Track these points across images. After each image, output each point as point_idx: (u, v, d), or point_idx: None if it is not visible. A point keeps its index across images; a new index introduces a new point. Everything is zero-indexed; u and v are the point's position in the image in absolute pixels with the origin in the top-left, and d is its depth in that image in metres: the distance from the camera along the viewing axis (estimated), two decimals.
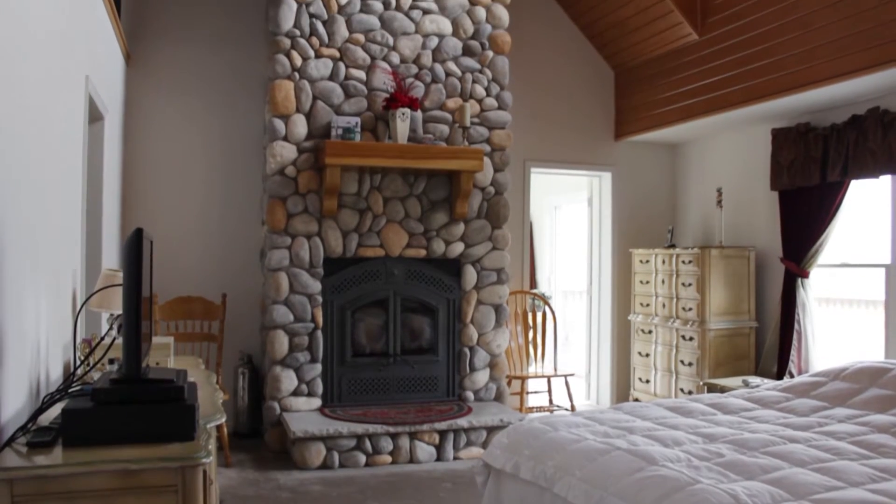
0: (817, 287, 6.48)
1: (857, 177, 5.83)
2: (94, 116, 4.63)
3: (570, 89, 7.76)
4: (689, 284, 6.80)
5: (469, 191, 6.16)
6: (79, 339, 3.36)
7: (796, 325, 6.34)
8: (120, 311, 3.38)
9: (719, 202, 7.18)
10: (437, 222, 6.29)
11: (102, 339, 3.41)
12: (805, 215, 6.31)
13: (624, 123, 7.81)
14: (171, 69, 6.43)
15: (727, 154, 7.41)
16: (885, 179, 5.79)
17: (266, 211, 5.94)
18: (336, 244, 6.01)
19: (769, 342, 6.63)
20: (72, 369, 3.46)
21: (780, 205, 6.58)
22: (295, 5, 5.94)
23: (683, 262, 6.90)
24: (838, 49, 5.30)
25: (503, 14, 6.53)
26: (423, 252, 6.26)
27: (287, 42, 5.92)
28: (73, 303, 3.73)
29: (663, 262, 7.17)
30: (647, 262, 7.40)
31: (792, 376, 6.27)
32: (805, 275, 6.33)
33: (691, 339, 6.74)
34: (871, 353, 6.08)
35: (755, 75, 6.05)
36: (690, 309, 6.78)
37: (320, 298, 5.97)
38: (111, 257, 5.28)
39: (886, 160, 5.52)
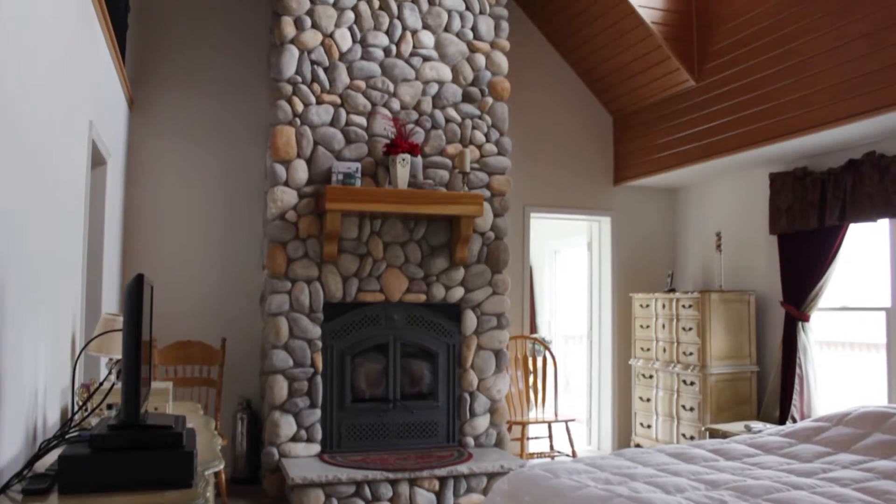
0: (818, 330, 6.46)
1: (856, 220, 5.85)
2: (97, 161, 4.67)
3: (569, 134, 7.83)
4: (690, 329, 6.79)
5: (469, 236, 6.18)
6: (77, 384, 3.34)
7: (798, 369, 6.32)
8: (119, 357, 3.37)
9: (718, 246, 7.20)
10: (437, 267, 6.30)
11: (101, 384, 3.39)
12: (804, 259, 6.32)
13: (623, 168, 7.86)
14: (173, 114, 6.49)
15: (726, 198, 7.45)
16: (883, 223, 5.81)
17: (266, 255, 5.95)
18: (336, 289, 6.01)
19: (771, 386, 6.59)
20: (69, 415, 3.44)
21: (779, 248, 6.60)
22: (297, 52, 6.02)
23: (683, 306, 6.89)
24: (833, 95, 5.35)
25: (502, 61, 6.62)
26: (423, 297, 6.26)
27: (289, 88, 5.99)
28: (73, 347, 3.72)
29: (663, 306, 7.16)
30: (648, 306, 7.39)
31: (794, 421, 6.23)
32: (805, 318, 6.32)
33: (692, 383, 6.71)
34: (874, 396, 6.04)
35: (752, 120, 6.11)
36: (691, 353, 6.76)
37: (320, 343, 5.96)
38: (111, 300, 5.28)
39: (883, 204, 5.55)
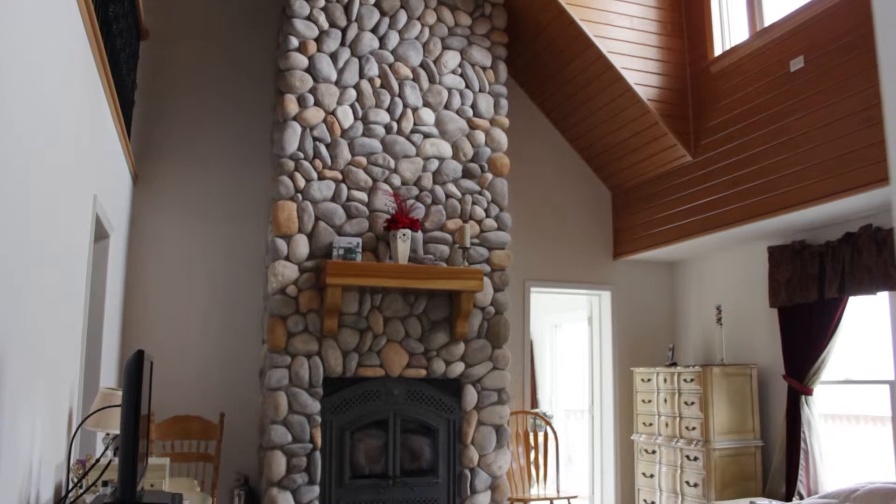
0: (822, 404, 6.41)
1: (855, 293, 5.86)
2: (100, 234, 4.71)
3: (568, 209, 7.90)
4: (692, 403, 6.74)
5: (469, 311, 6.19)
6: (73, 460, 3.31)
7: (802, 444, 6.24)
8: (116, 432, 3.35)
9: (719, 320, 7.19)
10: (437, 342, 6.29)
11: (98, 460, 3.36)
12: (805, 332, 6.31)
13: (622, 243, 7.91)
14: (176, 188, 6.57)
15: (725, 272, 7.48)
16: (883, 296, 5.82)
17: (266, 330, 5.95)
18: (336, 364, 5.99)
19: (776, 461, 6.51)
20: (63, 492, 3.40)
21: (779, 322, 6.59)
22: (300, 129, 6.13)
23: (685, 380, 6.85)
24: (828, 170, 5.43)
25: (502, 137, 6.73)
26: (423, 372, 6.23)
27: (291, 164, 6.07)
28: (69, 421, 3.69)
29: (665, 380, 7.12)
30: (649, 380, 7.35)
31: (801, 497, 6.12)
32: (809, 392, 6.27)
33: (696, 458, 6.62)
34: (881, 471, 5.95)
35: (749, 195, 6.18)
36: (694, 428, 6.69)
37: (319, 418, 5.91)
38: (110, 373, 5.26)
39: (882, 277, 5.56)
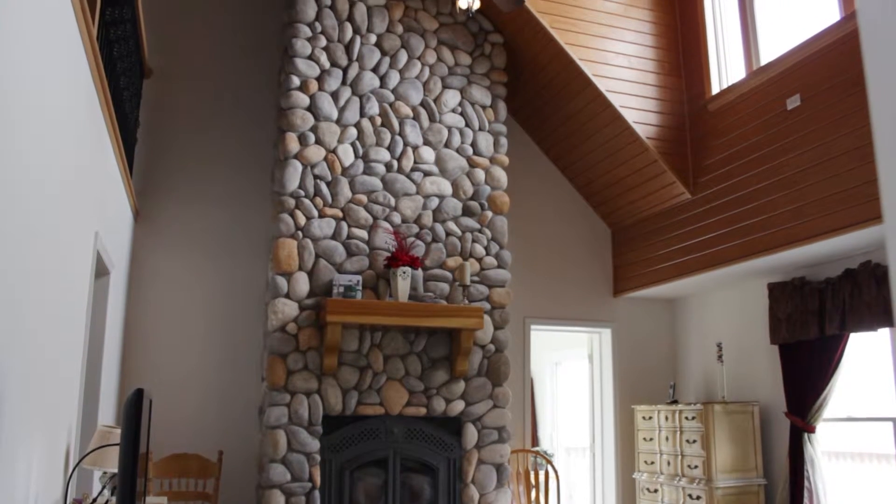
0: (825, 441, 6.36)
1: (856, 330, 5.85)
2: (101, 271, 4.72)
3: (568, 246, 7.92)
4: (694, 441, 6.69)
5: (469, 348, 6.17)
6: (70, 498, 3.29)
7: (806, 482, 6.18)
8: (114, 470, 3.33)
9: (720, 357, 7.17)
10: (437, 380, 6.26)
11: (95, 499, 3.33)
12: (807, 369, 6.29)
13: (622, 280, 7.92)
14: (177, 225, 6.59)
15: (725, 308, 7.47)
16: (884, 332, 5.80)
17: (266, 367, 5.93)
18: (336, 402, 5.97)
19: (779, 500, 6.44)
20: None
21: (780, 358, 6.57)
22: (300, 167, 6.17)
23: (687, 418, 6.81)
24: (826, 207, 5.45)
25: (502, 176, 6.77)
26: (423, 410, 6.20)
27: (291, 202, 6.10)
28: (66, 459, 3.67)
29: (666, 418, 7.08)
30: (650, 418, 7.30)
31: None
32: (811, 429, 6.23)
33: (698, 497, 6.56)
34: None
35: (748, 232, 6.19)
36: (696, 466, 6.63)
37: (318, 457, 5.86)
38: (108, 410, 5.24)
39: (883, 313, 5.56)
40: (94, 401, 4.73)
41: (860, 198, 5.16)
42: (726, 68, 6.81)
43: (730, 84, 6.63)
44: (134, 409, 2.21)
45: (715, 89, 6.79)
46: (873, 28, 0.75)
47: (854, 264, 5.90)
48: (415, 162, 6.54)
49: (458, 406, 6.28)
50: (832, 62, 5.48)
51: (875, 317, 5.63)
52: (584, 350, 8.46)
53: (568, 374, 10.49)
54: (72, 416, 3.82)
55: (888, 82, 0.73)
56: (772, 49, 6.31)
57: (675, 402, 7.32)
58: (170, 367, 6.37)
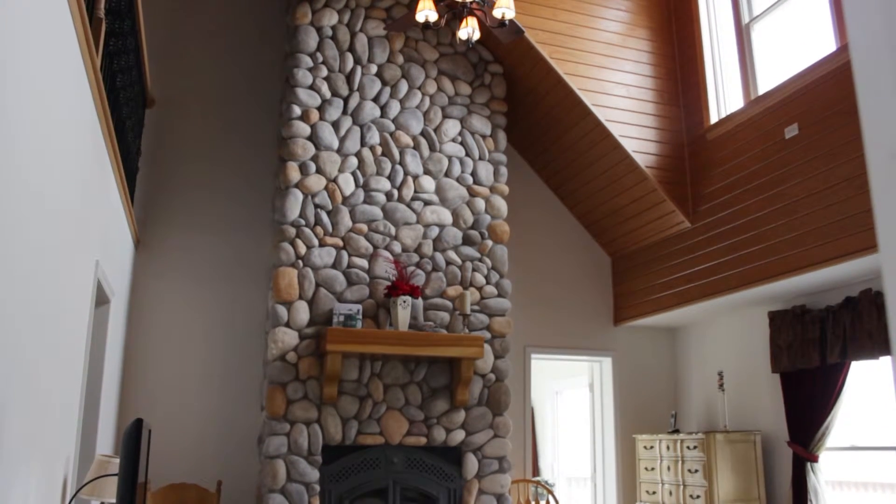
0: (828, 471, 6.32)
1: (857, 358, 5.83)
2: (101, 300, 4.72)
3: (568, 275, 7.92)
4: (696, 471, 6.65)
5: (470, 378, 6.16)
6: None
7: None
8: (112, 500, 3.31)
9: (721, 385, 7.14)
10: (437, 409, 6.24)
11: None
12: (808, 397, 6.27)
13: (622, 308, 7.91)
14: (177, 254, 6.60)
15: (726, 337, 7.45)
16: (886, 360, 5.79)
17: (266, 396, 5.91)
18: (335, 431, 5.94)
19: None
20: None
21: (782, 387, 6.55)
22: (301, 196, 6.19)
23: (688, 447, 6.78)
24: (825, 235, 5.46)
25: (502, 205, 6.79)
26: (423, 440, 6.17)
27: (292, 231, 6.12)
28: (64, 490, 3.65)
29: (668, 447, 7.04)
30: (652, 447, 7.26)
31: None
32: (814, 459, 6.19)
33: None
34: None
35: (748, 260, 6.20)
36: (698, 496, 6.58)
37: (318, 487, 5.82)
38: (106, 439, 5.21)
39: (884, 342, 5.55)
40: (93, 429, 4.71)
41: (860, 226, 5.17)
42: (724, 97, 6.86)
43: (728, 113, 6.67)
44: (133, 439, 2.20)
45: (713, 118, 6.83)
46: (865, 61, 0.76)
47: (854, 292, 5.90)
48: (415, 191, 6.56)
49: (459, 435, 6.25)
50: (829, 91, 5.51)
51: (876, 345, 5.62)
52: (584, 379, 8.43)
53: (569, 404, 10.45)
54: (70, 444, 3.80)
55: (880, 113, 0.74)
56: (769, 78, 6.36)
57: (676, 431, 7.28)
58: (169, 396, 6.35)
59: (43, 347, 2.91)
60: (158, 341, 6.44)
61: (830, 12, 5.70)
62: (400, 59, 6.77)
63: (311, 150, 6.30)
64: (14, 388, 2.43)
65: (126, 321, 6.16)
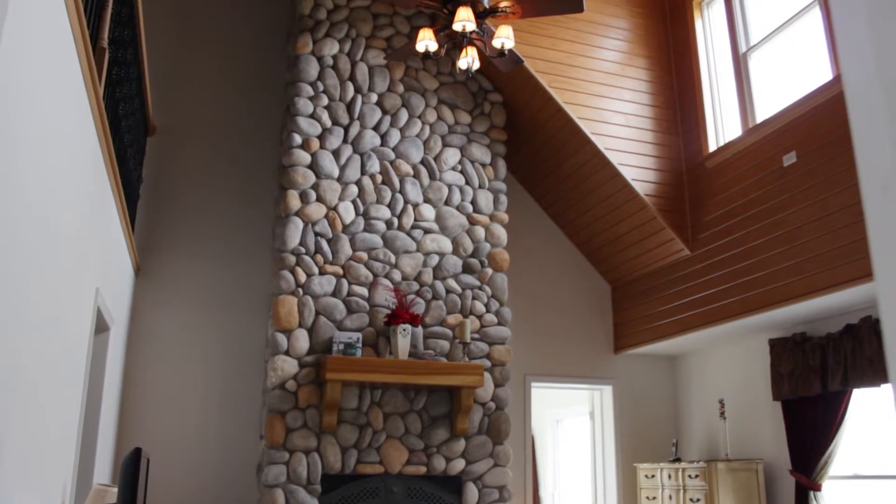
0: (831, 499, 6.27)
1: (858, 386, 5.81)
2: (101, 327, 4.72)
3: (568, 303, 7.92)
4: (698, 500, 6.60)
5: (470, 406, 6.13)
6: None
7: None
8: None
9: (722, 413, 7.11)
10: (437, 438, 6.21)
11: None
12: (810, 425, 6.24)
13: (622, 337, 7.90)
14: (177, 281, 6.61)
15: (727, 365, 7.43)
16: (888, 388, 5.76)
17: (265, 425, 5.89)
18: (335, 460, 5.90)
19: None
20: None
21: (783, 415, 6.52)
22: (301, 224, 6.20)
23: (690, 476, 6.73)
24: (825, 262, 5.46)
25: (501, 233, 6.80)
26: (423, 469, 6.13)
27: (292, 259, 6.12)
28: None
29: (669, 476, 7.00)
30: (653, 476, 7.22)
31: None
32: (817, 487, 6.15)
33: None
34: None
35: (748, 288, 6.20)
36: None
37: None
38: (104, 467, 5.18)
39: (885, 369, 5.51)
40: (90, 458, 4.69)
41: (859, 253, 5.18)
42: (723, 126, 6.90)
43: (727, 141, 6.70)
44: (131, 468, 2.19)
45: (712, 147, 6.86)
46: (858, 95, 0.77)
47: (855, 319, 5.89)
48: (415, 219, 6.58)
49: (459, 465, 6.21)
50: (827, 119, 5.55)
51: (878, 372, 5.60)
52: (585, 407, 8.40)
53: (569, 432, 10.40)
54: (67, 473, 3.78)
55: (873, 146, 0.75)
56: (767, 107, 6.39)
57: (677, 459, 7.24)
58: (168, 424, 6.32)
59: (42, 375, 2.91)
60: (157, 369, 6.42)
61: (826, 41, 5.74)
62: (400, 88, 6.82)
63: (312, 178, 6.32)
64: (13, 415, 2.43)
65: (125, 349, 6.15)
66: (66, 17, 2.73)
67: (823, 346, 6.14)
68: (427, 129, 6.83)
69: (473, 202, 6.81)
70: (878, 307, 0.78)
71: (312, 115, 6.45)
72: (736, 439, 7.10)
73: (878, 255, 0.76)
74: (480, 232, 6.75)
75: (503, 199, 6.93)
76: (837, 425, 6.04)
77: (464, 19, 4.75)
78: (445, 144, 6.86)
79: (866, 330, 5.72)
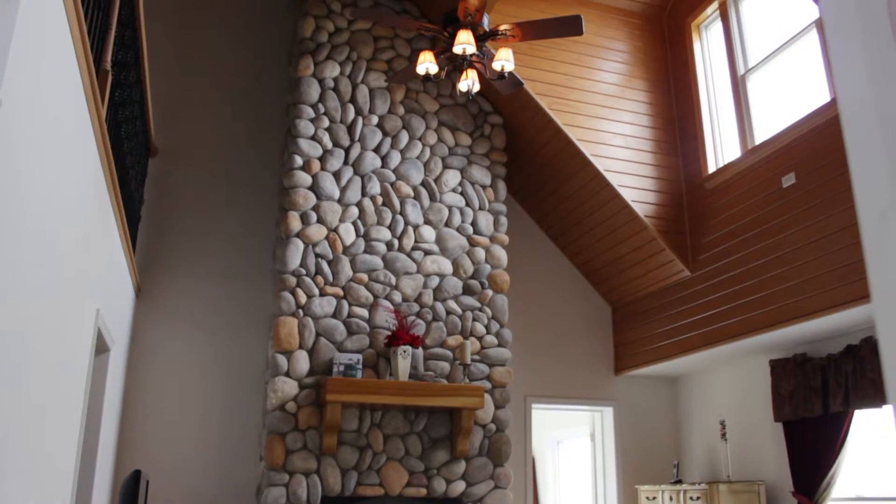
0: None
1: (860, 407, 5.80)
2: (101, 348, 4.72)
3: (568, 325, 7.91)
4: None
5: (470, 428, 6.11)
6: None
7: None
8: None
9: (723, 435, 7.09)
10: (437, 460, 6.19)
11: None
12: (812, 446, 6.21)
13: (623, 358, 7.89)
14: (178, 302, 6.61)
15: (728, 386, 7.42)
16: (890, 408, 5.75)
17: (264, 446, 5.87)
18: (335, 482, 5.88)
19: None
20: None
21: (785, 436, 6.49)
22: (302, 245, 6.21)
23: (692, 498, 6.70)
24: (824, 283, 5.47)
25: (502, 254, 6.81)
26: (423, 491, 6.10)
27: (293, 280, 6.13)
28: None
29: (671, 498, 6.96)
30: (654, 498, 7.18)
31: None
32: None
33: None
34: None
35: (748, 309, 6.20)
36: None
37: None
38: (103, 489, 5.15)
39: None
40: (89, 480, 4.66)
41: (859, 274, 5.18)
42: (722, 147, 6.92)
43: (726, 163, 6.72)
44: (130, 491, 2.19)
45: (711, 168, 6.88)
46: (854, 125, 0.78)
47: (855, 340, 5.89)
48: (415, 241, 6.59)
49: (459, 487, 6.18)
50: (825, 141, 5.57)
51: (879, 393, 5.59)
52: (586, 428, 8.37)
53: (570, 454, 10.36)
54: (66, 494, 3.77)
55: (869, 175, 0.76)
56: (766, 128, 6.42)
57: (679, 481, 7.21)
58: (167, 446, 6.30)
59: (42, 396, 2.91)
60: (157, 390, 6.41)
61: (824, 64, 5.78)
62: (401, 110, 6.85)
63: (313, 199, 6.34)
64: (13, 436, 2.43)
65: (125, 370, 6.14)
66: (70, 39, 2.76)
67: (824, 366, 6.13)
68: (427, 150, 6.86)
69: (474, 224, 6.83)
70: (877, 333, 0.79)
71: (313, 137, 6.48)
72: (737, 460, 7.08)
73: (876, 283, 0.77)
74: (481, 253, 6.76)
75: (503, 220, 6.94)
76: (839, 446, 6.02)
77: (464, 42, 4.78)
78: (446, 166, 6.88)
79: (867, 351, 5.71)
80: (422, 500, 6.09)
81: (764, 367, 6.81)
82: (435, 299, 6.53)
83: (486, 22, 5.00)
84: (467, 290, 6.64)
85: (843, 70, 0.81)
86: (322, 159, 6.46)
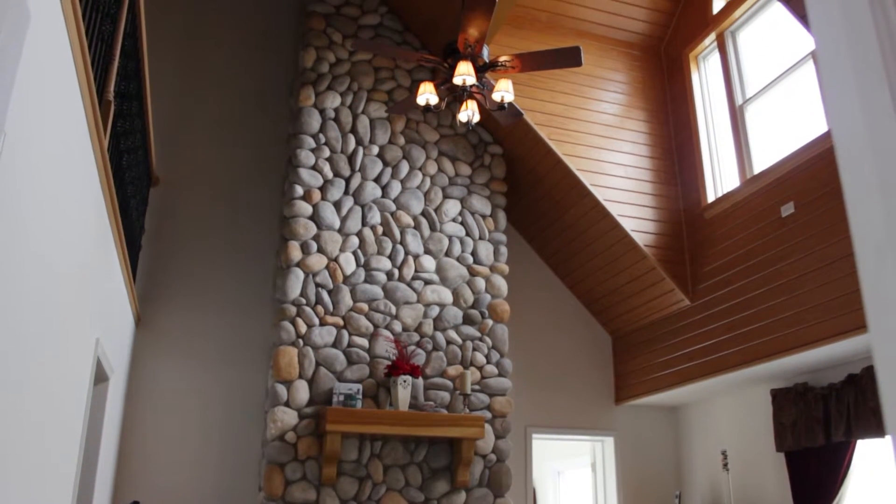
0: None
1: (862, 437, 5.76)
2: (100, 377, 4.70)
3: (568, 354, 7.89)
4: None
5: (470, 458, 6.08)
6: None
7: None
8: None
9: (725, 465, 7.04)
10: (438, 490, 6.15)
11: None
12: (815, 477, 6.17)
13: (623, 387, 7.86)
14: (178, 332, 6.60)
15: (729, 415, 7.38)
16: (890, 439, 5.70)
17: (264, 477, 5.83)
18: None
19: None
20: None
21: (787, 466, 6.45)
22: (302, 275, 6.22)
23: None
24: (825, 312, 5.46)
25: (502, 284, 6.81)
26: None
27: (293, 310, 6.12)
28: None
29: None
30: None
31: None
32: None
33: None
34: None
35: (749, 338, 6.18)
36: None
37: None
38: None
39: None
40: None
41: (859, 302, 5.17)
42: (721, 177, 6.95)
43: (725, 192, 6.74)
44: None
45: (710, 197, 6.90)
46: (849, 160, 0.79)
47: (857, 369, 5.87)
48: (416, 270, 6.59)
49: None
50: (823, 170, 5.59)
51: (881, 423, 5.56)
52: (586, 459, 8.32)
53: (571, 484, 10.29)
54: None
55: (865, 209, 0.77)
56: (764, 158, 6.45)
57: None
58: (166, 475, 6.26)
59: (41, 424, 2.90)
60: (156, 420, 6.38)
61: (821, 94, 5.82)
62: (401, 140, 6.89)
63: (313, 229, 6.36)
64: (11, 466, 2.42)
65: (124, 399, 6.11)
66: (74, 70, 2.78)
67: (826, 396, 6.11)
68: (427, 180, 6.88)
69: (474, 253, 6.84)
70: (875, 363, 0.79)
71: (314, 167, 6.51)
72: (739, 491, 7.02)
73: (873, 316, 0.77)
74: (481, 283, 6.77)
75: (503, 250, 6.96)
76: (842, 477, 5.98)
77: (464, 73, 4.82)
78: (446, 196, 6.91)
79: (868, 380, 5.69)
80: None
81: (765, 396, 6.79)
82: (435, 329, 6.53)
83: (486, 53, 5.05)
84: (467, 320, 6.64)
85: (838, 106, 0.82)
86: (323, 189, 6.49)
